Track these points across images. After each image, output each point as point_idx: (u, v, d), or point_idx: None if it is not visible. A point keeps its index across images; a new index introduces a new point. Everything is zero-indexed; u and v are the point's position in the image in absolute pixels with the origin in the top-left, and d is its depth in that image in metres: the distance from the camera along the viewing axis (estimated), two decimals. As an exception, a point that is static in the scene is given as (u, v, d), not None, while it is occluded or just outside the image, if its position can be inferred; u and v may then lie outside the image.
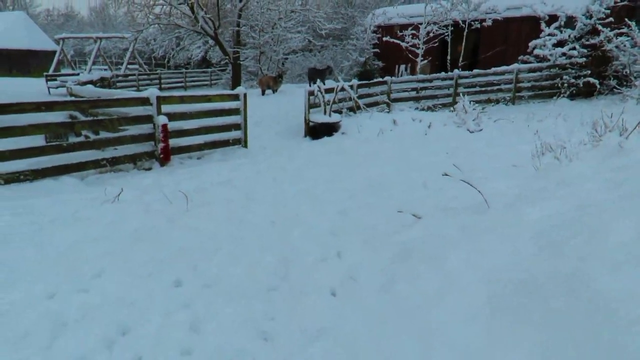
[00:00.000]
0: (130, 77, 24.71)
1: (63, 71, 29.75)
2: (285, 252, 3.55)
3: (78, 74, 26.05)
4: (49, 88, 21.12)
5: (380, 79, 13.14)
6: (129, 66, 30.92)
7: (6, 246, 3.65)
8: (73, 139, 7.73)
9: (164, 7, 21.23)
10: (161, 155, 7.16)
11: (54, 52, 32.81)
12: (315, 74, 20.32)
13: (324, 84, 10.86)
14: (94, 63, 30.19)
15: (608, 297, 2.05)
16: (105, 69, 31.83)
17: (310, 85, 19.78)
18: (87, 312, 2.71)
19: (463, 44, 16.32)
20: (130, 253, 3.57)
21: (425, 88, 13.80)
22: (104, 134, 7.56)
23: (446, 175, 3.98)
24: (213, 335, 2.47)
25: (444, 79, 13.91)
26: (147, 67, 33.29)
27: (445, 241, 3.20)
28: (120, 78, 23.79)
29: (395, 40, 15.54)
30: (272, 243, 3.76)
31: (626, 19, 12.89)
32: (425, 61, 16.11)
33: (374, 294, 2.75)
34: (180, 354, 2.34)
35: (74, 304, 2.80)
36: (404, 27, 16.68)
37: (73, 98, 7.55)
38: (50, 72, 26.36)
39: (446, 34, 15.93)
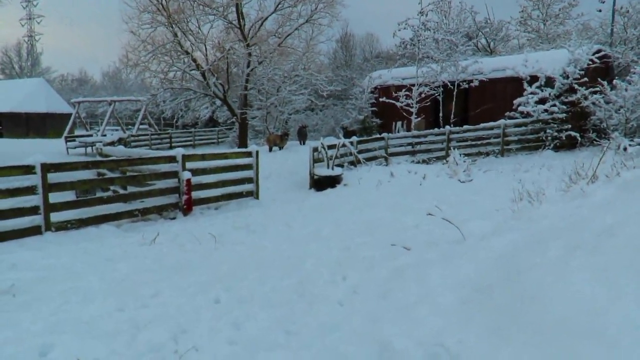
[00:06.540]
0: (142, 137, 26.13)
1: (76, 132, 31.32)
2: (301, 277, 4.39)
3: (91, 135, 27.63)
4: (67, 148, 22.46)
5: (378, 135, 14.35)
6: (140, 126, 32.66)
7: (75, 278, 4.50)
8: (100, 194, 8.69)
9: (177, 72, 23.06)
10: (184, 206, 8.10)
11: (69, 115, 34.75)
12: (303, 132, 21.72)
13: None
14: (107, 124, 32.01)
15: (537, 288, 2.90)
16: (116, 130, 33.48)
17: (301, 143, 21.12)
18: (153, 319, 3.53)
19: (453, 102, 17.75)
20: (175, 280, 4.42)
21: (420, 143, 14.99)
22: (131, 188, 8.55)
23: (430, 214, 4.90)
24: (251, 331, 3.28)
25: (437, 135, 15.13)
26: (157, 127, 35.08)
27: (428, 263, 4.06)
28: (133, 138, 25.22)
29: (391, 101, 16.97)
30: (290, 271, 4.60)
31: (599, 79, 14.28)
32: (419, 118, 17.45)
33: (373, 301, 3.58)
34: (228, 343, 3.15)
35: (141, 314, 3.63)
36: (398, 88, 18.15)
37: (113, 158, 8.58)
38: (66, 133, 27.94)
39: (437, 94, 17.39)
